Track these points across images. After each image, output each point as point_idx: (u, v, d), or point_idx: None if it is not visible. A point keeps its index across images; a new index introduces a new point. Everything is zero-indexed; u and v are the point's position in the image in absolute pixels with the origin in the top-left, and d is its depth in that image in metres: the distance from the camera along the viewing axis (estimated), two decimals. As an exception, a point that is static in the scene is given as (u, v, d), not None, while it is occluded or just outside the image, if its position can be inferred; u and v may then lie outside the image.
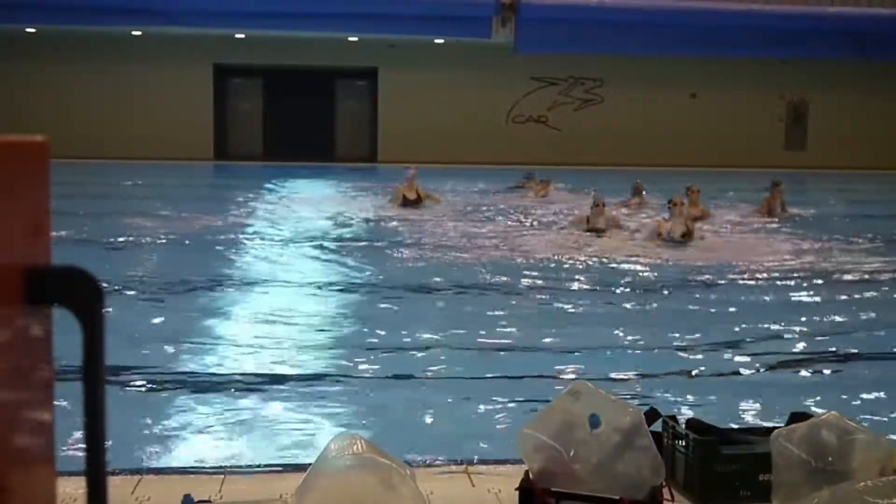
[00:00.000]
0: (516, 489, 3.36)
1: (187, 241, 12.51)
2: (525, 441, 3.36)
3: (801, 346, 7.49)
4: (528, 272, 10.43)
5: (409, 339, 7.32)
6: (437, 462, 4.06)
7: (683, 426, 3.66)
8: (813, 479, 3.07)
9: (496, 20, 25.67)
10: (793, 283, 10.21)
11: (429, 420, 5.47)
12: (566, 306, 8.81)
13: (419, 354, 6.88)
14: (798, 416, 3.50)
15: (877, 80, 29.27)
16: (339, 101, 30.32)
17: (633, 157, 27.76)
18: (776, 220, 15.48)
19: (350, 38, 27.60)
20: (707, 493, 3.47)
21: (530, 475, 3.35)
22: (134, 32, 27.21)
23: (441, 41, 27.69)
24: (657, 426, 3.51)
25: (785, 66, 28.94)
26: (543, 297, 9.23)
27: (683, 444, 3.57)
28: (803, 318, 8.33)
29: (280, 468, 4.15)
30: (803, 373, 6.73)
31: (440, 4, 24.53)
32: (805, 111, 30.73)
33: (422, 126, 28.74)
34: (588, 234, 13.02)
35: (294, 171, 24.36)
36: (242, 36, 27.53)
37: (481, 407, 5.61)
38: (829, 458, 3.11)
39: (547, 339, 7.36)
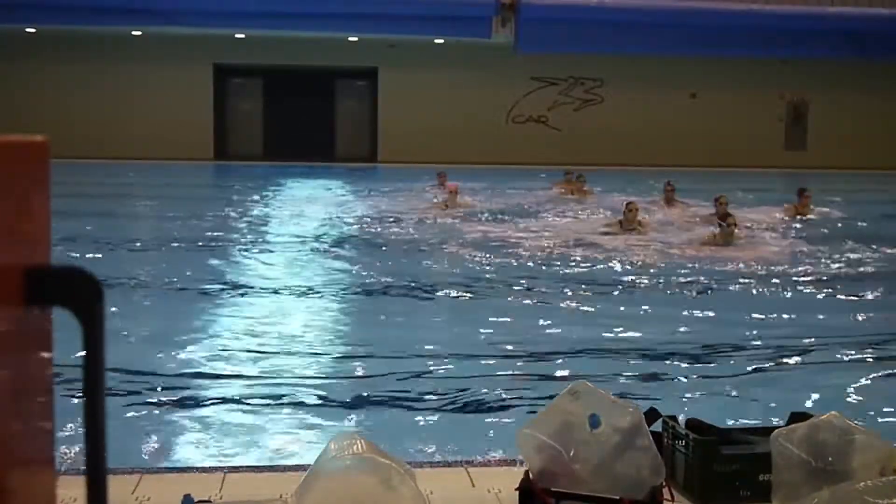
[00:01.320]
0: (516, 489, 3.35)
1: (188, 242, 12.50)
2: (525, 441, 3.36)
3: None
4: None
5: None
6: (437, 462, 4.06)
7: (683, 426, 3.66)
8: (813, 479, 3.07)
9: (496, 20, 25.65)
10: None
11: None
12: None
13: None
14: (798, 416, 3.50)
15: (877, 80, 29.26)
16: (339, 101, 30.32)
17: (633, 157, 27.77)
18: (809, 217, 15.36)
19: (350, 38, 27.60)
20: (707, 493, 3.46)
21: (530, 475, 3.36)
22: (134, 32, 27.21)
23: (441, 41, 27.68)
24: (657, 426, 3.51)
25: (785, 66, 28.93)
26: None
27: (683, 443, 3.57)
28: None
29: (280, 468, 4.15)
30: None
31: (440, 4, 24.51)
32: (805, 111, 30.73)
33: (422, 126, 28.73)
34: (626, 234, 12.79)
35: (295, 172, 24.34)
36: (242, 36, 27.53)
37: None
38: (829, 458, 3.10)
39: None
